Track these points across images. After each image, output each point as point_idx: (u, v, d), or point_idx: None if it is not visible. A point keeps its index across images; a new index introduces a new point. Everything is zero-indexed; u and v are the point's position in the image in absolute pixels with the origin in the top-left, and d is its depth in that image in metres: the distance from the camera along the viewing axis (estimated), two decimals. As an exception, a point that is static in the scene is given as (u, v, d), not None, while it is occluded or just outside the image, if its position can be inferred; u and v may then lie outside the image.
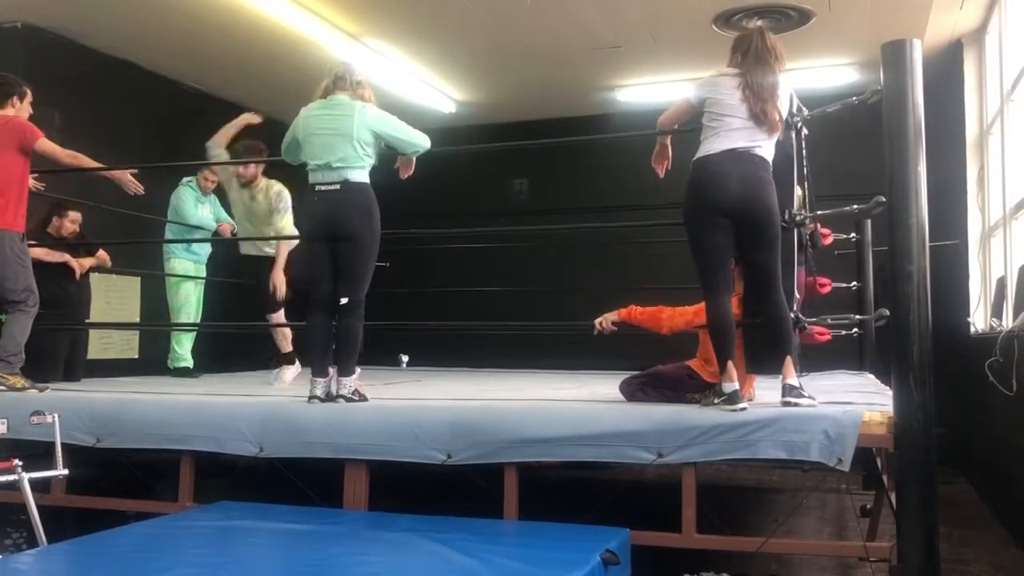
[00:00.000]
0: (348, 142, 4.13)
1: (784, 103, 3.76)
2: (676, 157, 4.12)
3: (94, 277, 6.15)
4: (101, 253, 6.12)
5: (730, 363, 3.64)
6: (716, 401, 3.62)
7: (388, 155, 4.42)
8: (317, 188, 4.19)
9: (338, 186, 4.14)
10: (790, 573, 4.34)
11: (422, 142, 4.37)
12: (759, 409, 3.53)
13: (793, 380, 3.62)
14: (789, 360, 3.66)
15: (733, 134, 3.67)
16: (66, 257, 5.72)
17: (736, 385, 3.61)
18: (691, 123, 3.93)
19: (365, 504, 3.77)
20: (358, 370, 4.30)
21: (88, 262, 5.93)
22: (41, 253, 5.65)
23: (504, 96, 8.48)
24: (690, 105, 3.85)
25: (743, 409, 3.49)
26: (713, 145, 3.70)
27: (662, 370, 4.09)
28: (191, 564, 2.78)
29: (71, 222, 5.93)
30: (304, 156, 4.26)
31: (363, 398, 4.21)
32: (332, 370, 4.29)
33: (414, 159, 4.45)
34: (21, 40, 6.62)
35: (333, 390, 4.20)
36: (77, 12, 6.51)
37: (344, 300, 4.18)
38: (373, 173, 4.31)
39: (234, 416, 4.05)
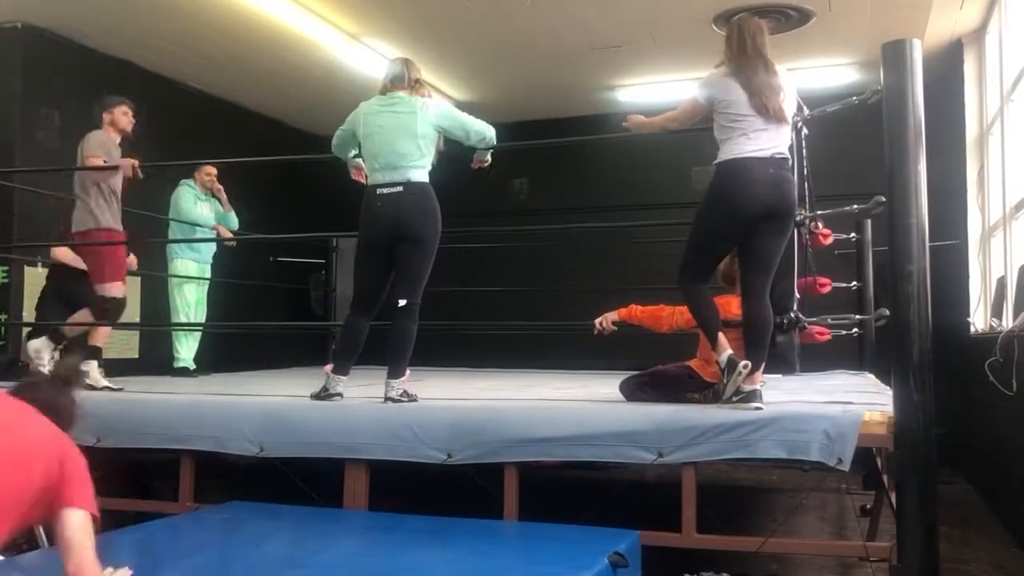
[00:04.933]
0: (411, 140, 4.08)
1: (788, 96, 3.72)
2: (677, 158, 4.11)
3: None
4: (131, 257, 6.03)
5: (721, 335, 3.66)
6: (735, 399, 3.58)
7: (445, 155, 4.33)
8: (379, 191, 4.12)
9: (401, 188, 4.08)
10: (790, 573, 4.34)
11: (487, 132, 4.27)
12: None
13: (757, 385, 3.61)
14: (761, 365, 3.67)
15: (760, 136, 3.62)
16: None
17: (757, 385, 3.59)
18: (701, 122, 3.90)
19: (365, 504, 3.77)
20: (408, 371, 4.23)
21: None
22: (69, 258, 5.62)
23: (504, 96, 8.47)
24: (698, 105, 3.80)
25: (758, 408, 3.48)
26: (740, 147, 3.63)
27: (662, 370, 4.09)
28: (193, 564, 2.78)
29: None
30: (363, 153, 4.23)
31: (412, 398, 4.13)
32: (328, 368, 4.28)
33: (488, 152, 4.38)
34: (21, 40, 6.61)
35: (382, 391, 4.15)
36: (77, 12, 6.51)
37: (402, 302, 4.13)
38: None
39: (234, 416, 4.05)
